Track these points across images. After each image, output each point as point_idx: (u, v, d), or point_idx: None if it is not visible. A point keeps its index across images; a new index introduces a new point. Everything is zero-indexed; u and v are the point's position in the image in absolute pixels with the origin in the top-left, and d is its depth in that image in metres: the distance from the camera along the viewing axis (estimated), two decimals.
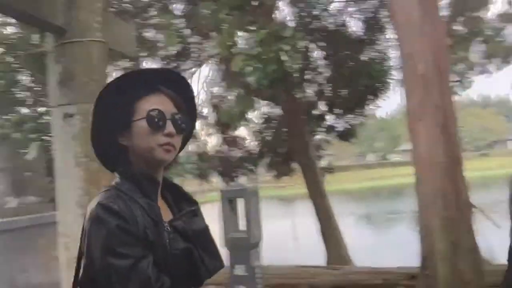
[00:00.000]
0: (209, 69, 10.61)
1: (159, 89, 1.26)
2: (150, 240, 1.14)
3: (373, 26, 8.91)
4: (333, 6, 9.34)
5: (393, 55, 8.76)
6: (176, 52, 9.22)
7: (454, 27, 9.17)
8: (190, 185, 10.70)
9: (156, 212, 1.19)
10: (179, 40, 8.34)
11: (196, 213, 1.31)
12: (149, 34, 8.94)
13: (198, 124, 10.58)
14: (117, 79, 1.27)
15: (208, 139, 10.92)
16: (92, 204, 1.16)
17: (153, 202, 1.22)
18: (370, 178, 37.49)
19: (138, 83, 1.25)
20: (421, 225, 4.90)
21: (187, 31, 9.10)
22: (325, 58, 9.58)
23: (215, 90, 10.63)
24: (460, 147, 4.94)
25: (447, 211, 4.63)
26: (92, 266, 1.13)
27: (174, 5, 9.21)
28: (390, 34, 8.74)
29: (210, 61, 10.04)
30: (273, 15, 8.75)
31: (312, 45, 9.19)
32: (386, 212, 22.24)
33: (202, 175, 10.09)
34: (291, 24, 8.75)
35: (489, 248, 5.72)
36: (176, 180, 9.33)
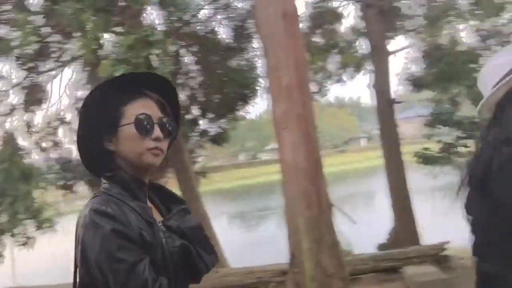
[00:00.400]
0: (72, 71, 9.90)
1: (144, 93, 1.26)
2: (147, 241, 1.14)
3: (242, 34, 9.24)
4: (203, 13, 9.46)
5: (260, 64, 9.21)
6: (33, 51, 8.41)
7: (313, 39, 10.00)
8: (52, 196, 9.84)
9: (149, 214, 1.20)
10: (37, 39, 7.64)
11: (187, 211, 1.33)
12: (2, 31, 8.02)
13: (60, 131, 9.82)
14: (102, 84, 1.27)
15: (73, 146, 10.18)
16: (84, 211, 1.15)
17: (144, 204, 1.22)
18: (242, 177, 38.70)
19: (123, 88, 1.25)
20: (288, 225, 5.26)
21: (47, 29, 8.37)
22: (196, 63, 9.66)
23: (80, 93, 9.96)
24: (319, 151, 5.41)
25: (310, 211, 5.04)
26: (89, 273, 1.11)
27: (31, 1, 8.40)
28: (257, 43, 9.17)
29: (73, 63, 9.37)
30: (140, 18, 8.53)
31: (183, 50, 9.19)
32: (258, 209, 23.21)
33: (66, 186, 9.36)
34: (161, 28, 8.63)
35: (346, 239, 6.38)
36: (36, 193, 8.53)
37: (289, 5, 5.26)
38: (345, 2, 10.64)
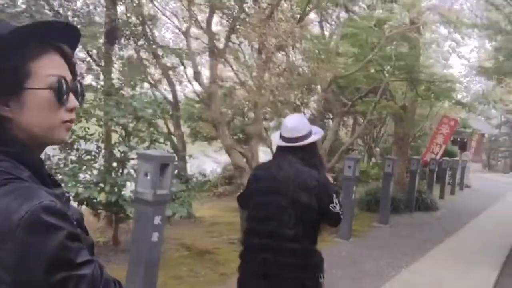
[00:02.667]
0: None
1: (55, 46, 0.96)
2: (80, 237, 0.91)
3: None
4: None
5: None
6: None
7: None
8: None
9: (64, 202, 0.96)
10: None
11: (69, 198, 1.09)
12: None
13: None
14: (36, 24, 0.94)
15: None
16: (18, 204, 0.82)
17: (61, 191, 1.00)
18: None
19: (29, 36, 0.92)
20: None
21: None
22: None
23: None
24: None
25: None
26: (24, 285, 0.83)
27: None
28: None
29: None
30: None
31: None
32: None
33: None
34: None
35: None
36: None
37: None
38: None
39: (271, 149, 9.58)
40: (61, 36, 0.97)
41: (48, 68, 0.93)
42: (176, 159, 7.46)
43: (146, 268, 3.64)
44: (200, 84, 6.95)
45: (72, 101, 0.97)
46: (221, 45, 7.19)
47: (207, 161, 13.83)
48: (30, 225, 0.81)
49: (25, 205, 0.82)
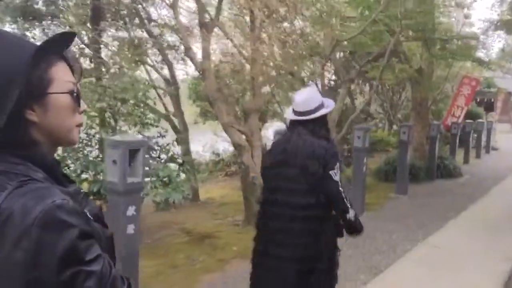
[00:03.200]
0: None
1: (63, 55, 1.03)
2: (93, 234, 0.96)
3: None
4: None
5: None
6: None
7: None
8: None
9: (81, 198, 1.04)
10: None
11: (87, 194, 1.15)
12: None
13: None
14: (54, 37, 1.01)
15: None
16: (33, 204, 0.87)
17: (78, 191, 1.07)
18: None
19: (52, 48, 1.00)
20: None
21: None
22: None
23: None
24: None
25: None
26: (38, 281, 0.86)
27: None
28: None
29: None
30: None
31: None
32: None
33: None
34: None
35: None
36: None
37: None
38: None
39: (286, 124, 9.12)
40: (67, 43, 1.05)
41: (65, 74, 1.01)
42: (176, 141, 7.19)
43: (124, 263, 3.34)
44: (192, 60, 6.55)
45: (82, 104, 1.06)
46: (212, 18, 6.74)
47: (219, 140, 13.55)
48: (44, 224, 0.86)
49: (39, 205, 0.87)
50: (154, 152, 5.89)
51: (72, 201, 0.92)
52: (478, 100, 21.48)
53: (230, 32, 7.07)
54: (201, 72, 6.54)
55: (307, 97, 2.60)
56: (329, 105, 2.65)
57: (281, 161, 2.56)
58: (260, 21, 5.85)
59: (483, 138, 16.21)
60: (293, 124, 2.63)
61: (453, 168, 11.46)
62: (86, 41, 7.22)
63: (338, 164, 2.49)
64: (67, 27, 6.76)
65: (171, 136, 7.95)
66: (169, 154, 5.98)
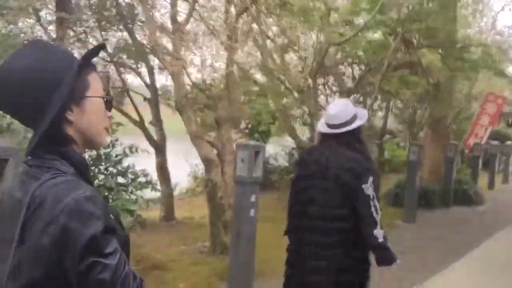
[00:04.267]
0: None
1: (94, 65, 1.17)
2: (115, 230, 1.05)
3: None
4: None
5: None
6: None
7: None
8: None
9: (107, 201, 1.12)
10: None
11: (106, 197, 1.36)
12: None
13: None
14: (97, 47, 1.21)
15: None
16: (64, 194, 0.98)
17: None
18: None
19: (91, 57, 1.16)
20: None
21: None
22: None
23: None
24: None
25: None
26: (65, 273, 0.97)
27: None
28: None
29: None
30: None
31: None
32: None
33: None
34: None
35: None
36: None
37: None
38: None
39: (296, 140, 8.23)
40: (97, 53, 1.22)
41: (98, 81, 1.14)
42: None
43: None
44: (160, 60, 5.78)
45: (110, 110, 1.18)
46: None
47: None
48: (72, 212, 0.96)
49: (70, 195, 0.98)
50: (102, 164, 5.11)
51: (100, 196, 1.03)
52: (510, 121, 20.02)
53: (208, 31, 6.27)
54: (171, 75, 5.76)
55: (339, 110, 2.54)
56: (363, 116, 2.60)
57: (314, 173, 2.53)
58: (232, 17, 5.04)
59: None
60: (326, 137, 2.57)
61: (473, 193, 10.24)
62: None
63: (371, 178, 2.39)
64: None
65: (146, 145, 7.19)
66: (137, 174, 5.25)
